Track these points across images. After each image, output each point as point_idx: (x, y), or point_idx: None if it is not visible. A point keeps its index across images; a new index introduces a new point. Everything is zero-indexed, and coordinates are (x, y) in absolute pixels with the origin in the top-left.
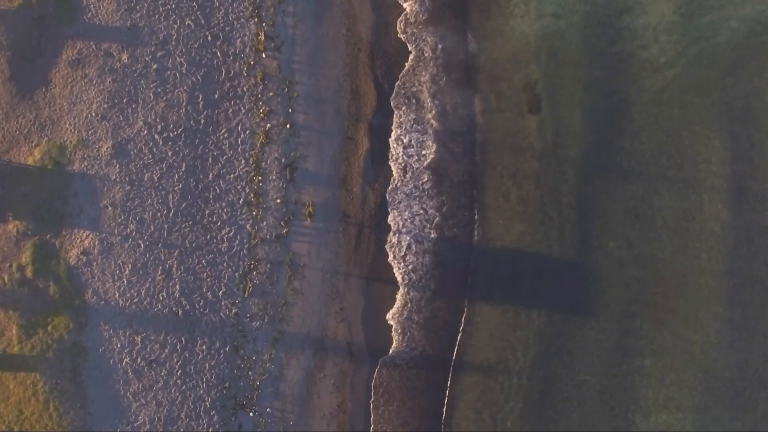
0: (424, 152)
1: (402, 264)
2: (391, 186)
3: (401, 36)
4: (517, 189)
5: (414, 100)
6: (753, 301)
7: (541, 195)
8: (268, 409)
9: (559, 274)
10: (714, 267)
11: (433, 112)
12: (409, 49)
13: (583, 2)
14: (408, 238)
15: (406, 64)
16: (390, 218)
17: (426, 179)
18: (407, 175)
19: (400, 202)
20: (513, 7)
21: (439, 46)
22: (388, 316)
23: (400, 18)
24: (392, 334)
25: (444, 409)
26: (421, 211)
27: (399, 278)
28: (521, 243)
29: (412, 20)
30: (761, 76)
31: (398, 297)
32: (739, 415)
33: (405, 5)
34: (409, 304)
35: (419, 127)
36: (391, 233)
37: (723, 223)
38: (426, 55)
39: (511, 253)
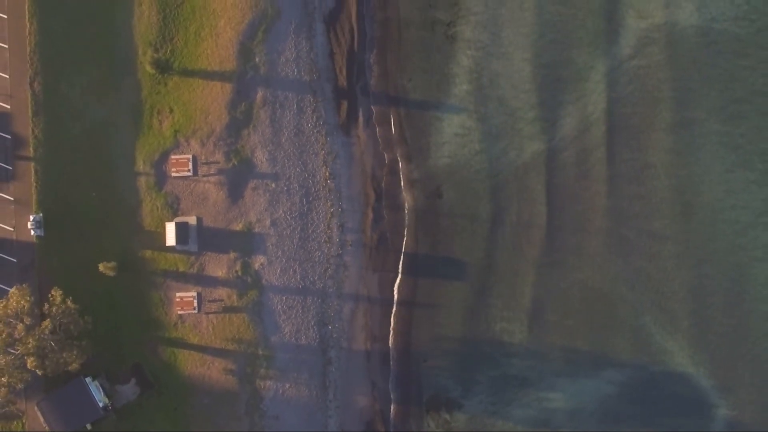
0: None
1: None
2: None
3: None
4: (434, 232)
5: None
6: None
7: (451, 231)
8: (336, 325)
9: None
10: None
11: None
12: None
13: (466, 149)
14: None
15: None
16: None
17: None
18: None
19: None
20: (430, 151)
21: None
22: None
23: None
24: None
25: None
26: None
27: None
28: (444, 249)
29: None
30: (511, 196)
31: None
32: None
33: (386, 159)
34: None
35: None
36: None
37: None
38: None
39: (436, 257)
